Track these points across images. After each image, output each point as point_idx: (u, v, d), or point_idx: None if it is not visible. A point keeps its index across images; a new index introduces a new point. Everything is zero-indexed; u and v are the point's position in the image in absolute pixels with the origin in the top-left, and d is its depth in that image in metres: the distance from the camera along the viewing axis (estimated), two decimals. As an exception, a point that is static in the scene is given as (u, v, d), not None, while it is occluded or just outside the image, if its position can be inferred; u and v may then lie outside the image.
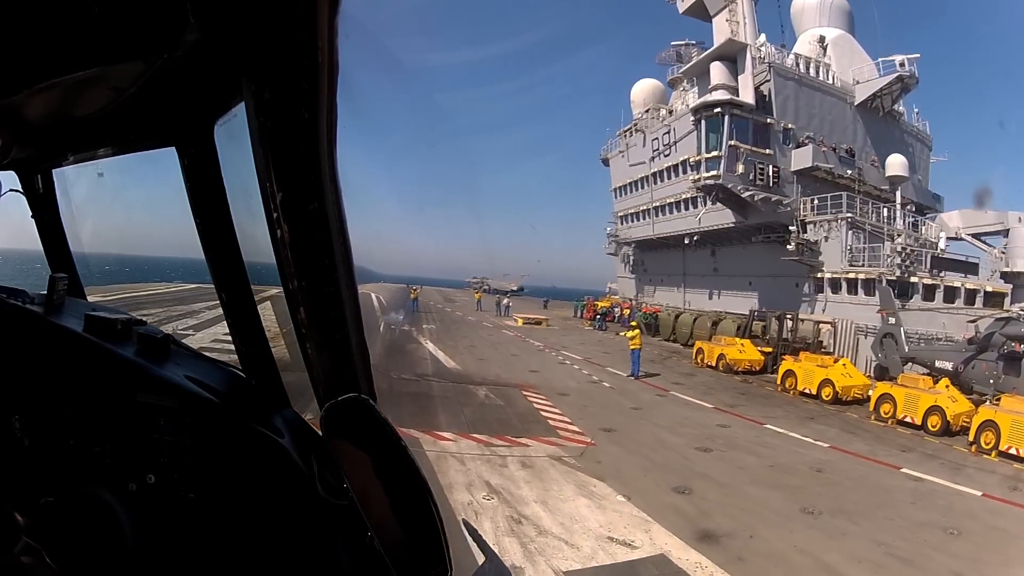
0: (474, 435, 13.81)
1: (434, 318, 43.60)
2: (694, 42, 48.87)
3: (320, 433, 1.28)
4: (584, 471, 11.92)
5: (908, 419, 18.74)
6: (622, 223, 56.19)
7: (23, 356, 1.56)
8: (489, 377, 21.58)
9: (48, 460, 1.50)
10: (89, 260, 2.69)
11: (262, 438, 1.42)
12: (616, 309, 50.87)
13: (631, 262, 57.37)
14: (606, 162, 58.64)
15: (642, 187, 51.12)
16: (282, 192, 1.03)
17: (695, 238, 42.90)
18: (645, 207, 50.54)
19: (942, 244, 34.32)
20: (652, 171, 48.74)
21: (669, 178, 46.56)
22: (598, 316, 48.09)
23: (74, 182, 2.45)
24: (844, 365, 23.90)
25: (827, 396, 22.25)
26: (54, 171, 2.36)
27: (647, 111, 52.58)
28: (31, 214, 2.41)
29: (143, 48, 1.10)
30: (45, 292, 1.81)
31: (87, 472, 1.46)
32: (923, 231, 34.75)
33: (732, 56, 36.01)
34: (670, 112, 49.33)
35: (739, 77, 35.53)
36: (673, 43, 52.60)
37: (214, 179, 1.48)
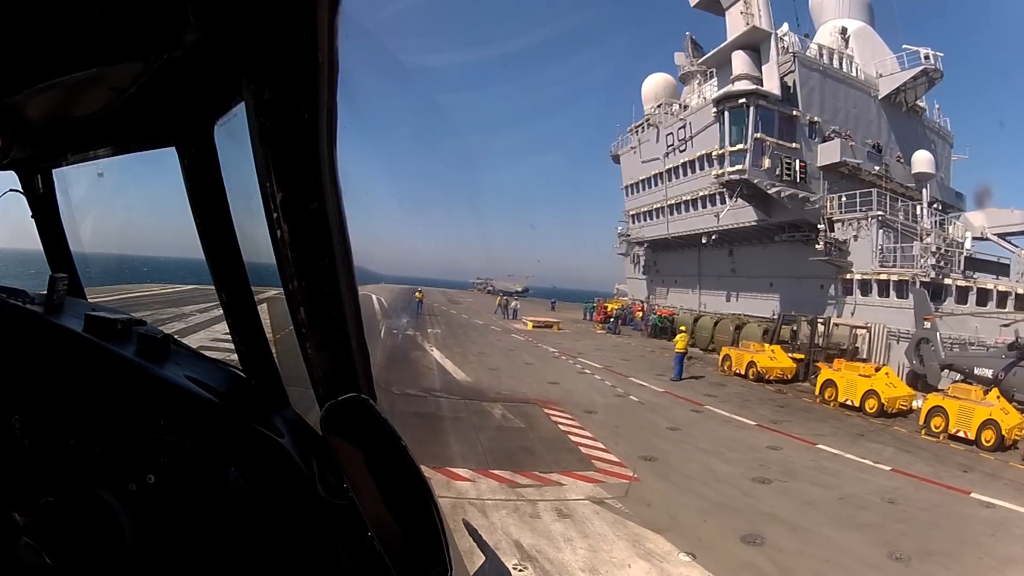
0: (495, 471, 11.64)
1: (439, 321, 41.49)
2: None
3: (320, 433, 1.25)
4: (634, 519, 9.88)
5: (961, 434, 17.48)
6: (633, 222, 54.07)
7: (23, 356, 1.51)
8: (504, 391, 19.49)
9: (48, 460, 1.45)
10: (89, 260, 2.64)
11: (262, 438, 1.40)
12: (621, 311, 48.68)
13: (641, 262, 55.31)
14: (616, 159, 56.50)
15: (655, 184, 49.01)
16: (282, 192, 1.02)
17: (713, 237, 40.87)
18: (659, 205, 48.44)
19: (968, 244, 32.57)
20: (666, 167, 46.62)
21: (685, 174, 44.46)
22: (611, 320, 45.96)
23: (74, 182, 2.45)
24: (887, 374, 22.25)
25: (871, 408, 20.70)
26: (54, 171, 2.35)
27: (659, 106, 50.58)
28: (31, 214, 2.39)
29: (143, 48, 1.10)
30: (45, 292, 1.80)
31: (87, 472, 1.43)
32: (949, 231, 32.93)
33: (755, 45, 33.90)
34: (684, 107, 47.32)
35: (763, 67, 33.43)
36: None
37: (214, 179, 1.47)
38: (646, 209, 51.02)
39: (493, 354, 28.61)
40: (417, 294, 48.22)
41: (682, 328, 29.36)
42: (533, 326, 42.72)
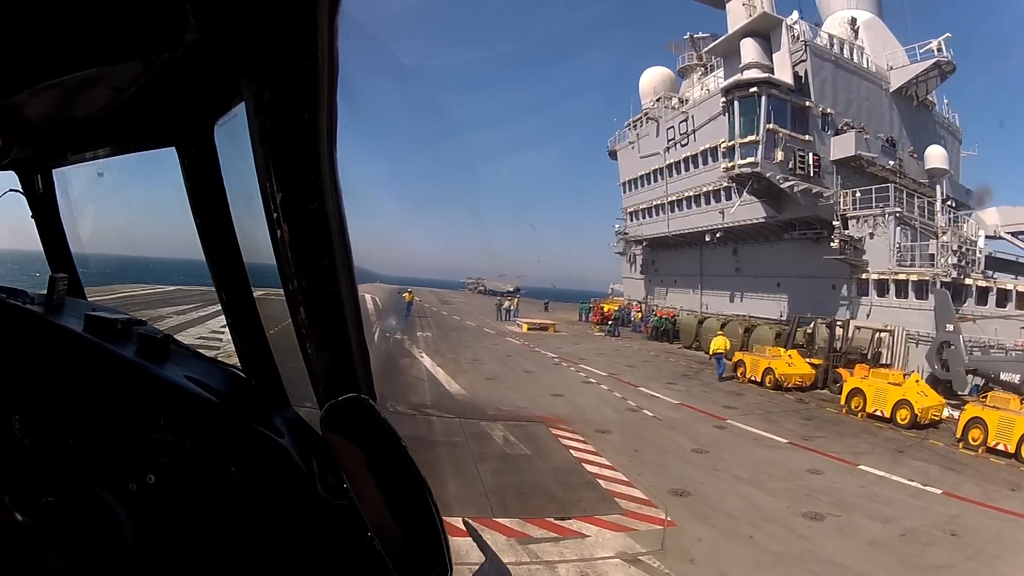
0: (500, 520, 9.35)
1: (430, 324, 39.19)
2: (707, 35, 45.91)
3: (320, 433, 1.25)
4: (682, 584, 7.83)
5: (1000, 447, 16.35)
6: (632, 219, 52.14)
7: (23, 356, 1.53)
8: (505, 406, 17.32)
9: (48, 460, 1.46)
10: (88, 260, 2.65)
11: (262, 438, 1.40)
12: (620, 312, 46.68)
13: (638, 261, 53.38)
14: (613, 155, 54.69)
15: (655, 180, 47.19)
16: (282, 192, 1.03)
17: (717, 235, 39.02)
18: (659, 201, 46.58)
19: (981, 243, 31.13)
20: (667, 162, 44.80)
21: (687, 170, 42.67)
22: (610, 322, 43.90)
23: (74, 182, 2.46)
24: (917, 382, 20.65)
25: (903, 419, 19.09)
26: (54, 171, 2.36)
27: (658, 100, 48.73)
28: (31, 214, 2.41)
29: (143, 48, 1.10)
30: (45, 292, 1.80)
31: (87, 472, 1.43)
32: (964, 229, 31.43)
33: (765, 33, 31.84)
34: (683, 101, 45.48)
35: (775, 55, 31.37)
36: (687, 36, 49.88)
37: (214, 179, 1.47)
38: (645, 206, 49.18)
39: (489, 360, 26.36)
40: (406, 295, 45.87)
41: (720, 332, 28.91)
42: (528, 328, 40.56)
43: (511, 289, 76.18)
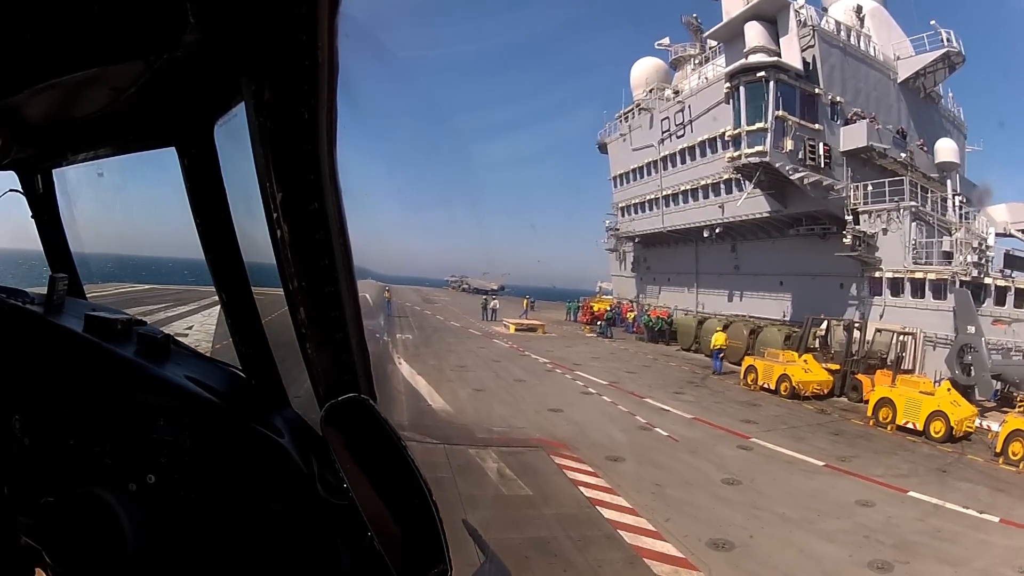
0: None
1: (411, 324, 36.59)
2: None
3: (320, 433, 1.24)
4: None
5: None
6: (623, 215, 49.76)
7: (23, 356, 1.52)
8: (497, 425, 14.95)
9: (48, 460, 1.45)
10: (88, 260, 2.62)
11: (262, 438, 1.38)
12: (612, 312, 44.43)
13: (627, 259, 51.11)
14: (603, 148, 52.20)
15: (648, 173, 44.79)
16: (282, 192, 1.02)
17: (716, 231, 36.80)
18: (652, 196, 44.22)
19: (991, 240, 29.40)
20: (661, 155, 42.44)
21: (683, 162, 40.33)
22: (600, 322, 41.57)
23: (74, 182, 2.44)
24: (949, 390, 18.90)
25: (937, 433, 17.38)
26: (54, 171, 2.35)
27: (650, 91, 46.47)
28: (31, 214, 2.40)
29: (143, 48, 1.10)
30: (45, 292, 1.78)
31: (87, 472, 1.42)
32: (974, 225, 29.71)
33: (771, 16, 29.65)
34: (676, 92, 43.32)
35: (782, 40, 29.18)
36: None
37: (214, 179, 1.46)
38: (637, 201, 46.77)
39: (476, 367, 23.91)
40: (385, 293, 43.22)
41: (719, 328, 29.28)
42: (515, 329, 38.20)
43: (495, 287, 73.84)
